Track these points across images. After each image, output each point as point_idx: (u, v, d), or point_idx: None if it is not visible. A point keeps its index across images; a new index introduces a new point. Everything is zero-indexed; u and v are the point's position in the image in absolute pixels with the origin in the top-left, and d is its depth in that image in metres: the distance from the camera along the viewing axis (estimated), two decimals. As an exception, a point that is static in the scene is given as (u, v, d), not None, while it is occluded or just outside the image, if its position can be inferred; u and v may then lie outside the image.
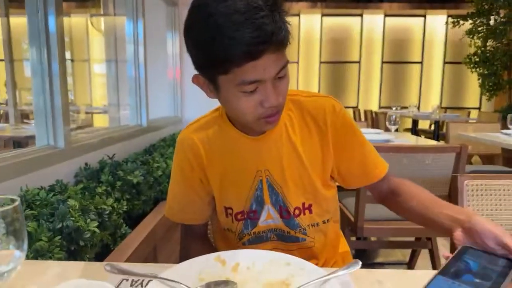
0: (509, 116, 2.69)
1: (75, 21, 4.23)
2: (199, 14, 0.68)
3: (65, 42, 1.59)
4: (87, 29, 4.31)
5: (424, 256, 2.25)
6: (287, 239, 0.88)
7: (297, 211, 0.87)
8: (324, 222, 0.90)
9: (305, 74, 7.90)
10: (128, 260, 1.26)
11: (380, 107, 7.61)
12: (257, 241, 0.89)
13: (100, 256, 1.27)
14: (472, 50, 5.88)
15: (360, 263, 0.63)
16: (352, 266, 0.62)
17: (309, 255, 0.89)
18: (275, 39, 0.65)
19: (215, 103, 0.83)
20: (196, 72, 0.75)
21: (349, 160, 0.88)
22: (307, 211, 0.87)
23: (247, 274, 0.65)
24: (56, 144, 1.58)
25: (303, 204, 0.87)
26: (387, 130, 3.18)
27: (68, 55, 1.57)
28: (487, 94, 5.85)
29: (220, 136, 0.87)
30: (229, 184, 0.87)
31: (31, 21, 1.50)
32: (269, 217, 0.87)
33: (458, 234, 0.69)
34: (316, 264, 0.68)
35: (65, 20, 1.61)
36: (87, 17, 4.06)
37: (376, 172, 0.89)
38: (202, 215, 0.93)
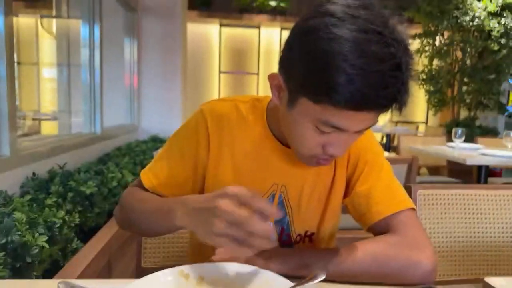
0: (453, 129, 2.88)
1: (23, 21, 3.98)
2: (327, 28, 0.55)
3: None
4: (36, 30, 4.07)
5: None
6: None
7: (298, 238, 0.80)
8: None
9: (266, 85, 8.01)
10: (80, 276, 1.18)
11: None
12: None
13: (49, 274, 1.18)
14: (420, 68, 6.27)
15: (325, 272, 0.63)
16: (319, 276, 0.62)
17: None
18: (391, 105, 0.58)
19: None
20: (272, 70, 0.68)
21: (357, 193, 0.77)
22: (307, 239, 0.81)
23: (212, 288, 0.63)
24: (0, 151, 1.47)
25: (306, 232, 0.81)
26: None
27: (14, 57, 1.47)
28: (433, 109, 6.25)
29: (252, 131, 0.76)
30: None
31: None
32: None
33: None
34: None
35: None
36: (37, 18, 3.84)
37: (369, 215, 0.74)
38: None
